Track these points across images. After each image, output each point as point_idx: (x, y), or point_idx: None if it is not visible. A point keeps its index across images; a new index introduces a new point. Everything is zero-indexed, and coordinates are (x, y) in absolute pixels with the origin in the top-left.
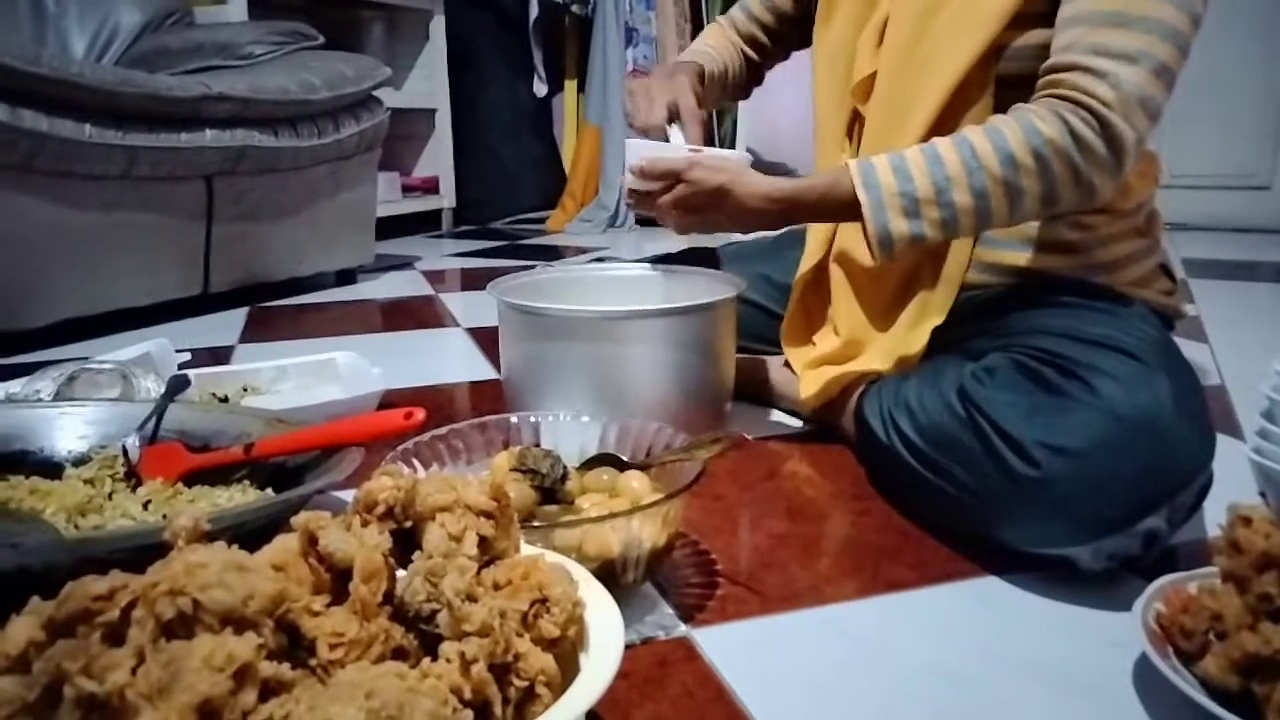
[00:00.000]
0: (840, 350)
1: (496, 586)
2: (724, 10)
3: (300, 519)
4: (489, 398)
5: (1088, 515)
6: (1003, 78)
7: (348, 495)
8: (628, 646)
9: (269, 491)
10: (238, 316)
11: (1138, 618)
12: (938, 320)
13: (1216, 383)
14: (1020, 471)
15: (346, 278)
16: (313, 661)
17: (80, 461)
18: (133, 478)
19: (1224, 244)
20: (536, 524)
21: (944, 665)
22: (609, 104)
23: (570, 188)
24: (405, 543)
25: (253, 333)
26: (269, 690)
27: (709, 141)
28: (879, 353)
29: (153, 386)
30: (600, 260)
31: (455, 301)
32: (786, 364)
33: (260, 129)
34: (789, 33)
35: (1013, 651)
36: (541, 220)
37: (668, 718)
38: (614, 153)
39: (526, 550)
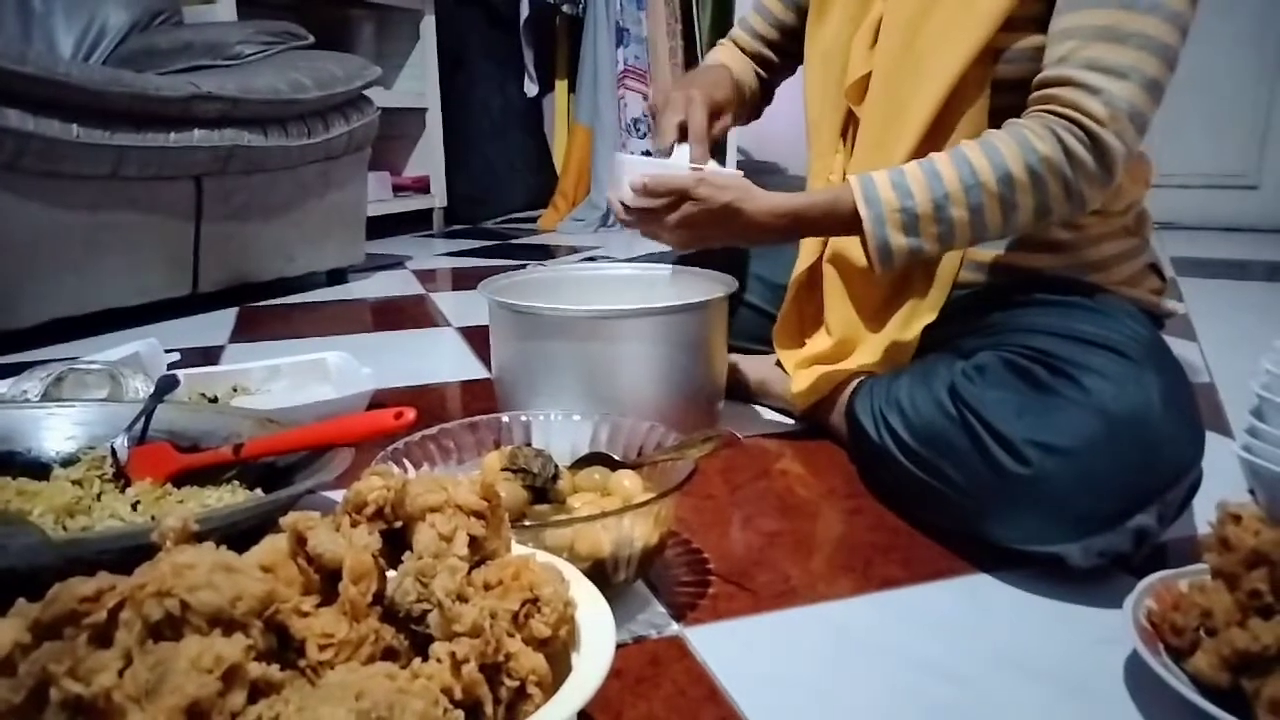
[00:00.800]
0: (832, 350)
1: (487, 586)
2: (714, 11)
3: (289, 519)
4: (480, 397)
5: (1078, 513)
6: (999, 81)
7: (338, 495)
8: (619, 645)
9: (258, 492)
10: (227, 316)
11: (1128, 615)
12: (929, 319)
13: (1206, 381)
14: (1011, 469)
15: (337, 277)
16: (302, 662)
17: (68, 462)
18: (121, 478)
19: (1213, 243)
20: (528, 523)
21: (936, 662)
22: (600, 104)
23: (561, 187)
24: (395, 543)
25: (242, 333)
26: (258, 691)
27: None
28: (871, 351)
29: (141, 387)
30: (591, 259)
31: (446, 301)
32: (778, 363)
33: (249, 129)
34: (794, 46)
35: (1004, 649)
36: (533, 220)
37: (660, 717)
38: (605, 152)
39: (517, 550)
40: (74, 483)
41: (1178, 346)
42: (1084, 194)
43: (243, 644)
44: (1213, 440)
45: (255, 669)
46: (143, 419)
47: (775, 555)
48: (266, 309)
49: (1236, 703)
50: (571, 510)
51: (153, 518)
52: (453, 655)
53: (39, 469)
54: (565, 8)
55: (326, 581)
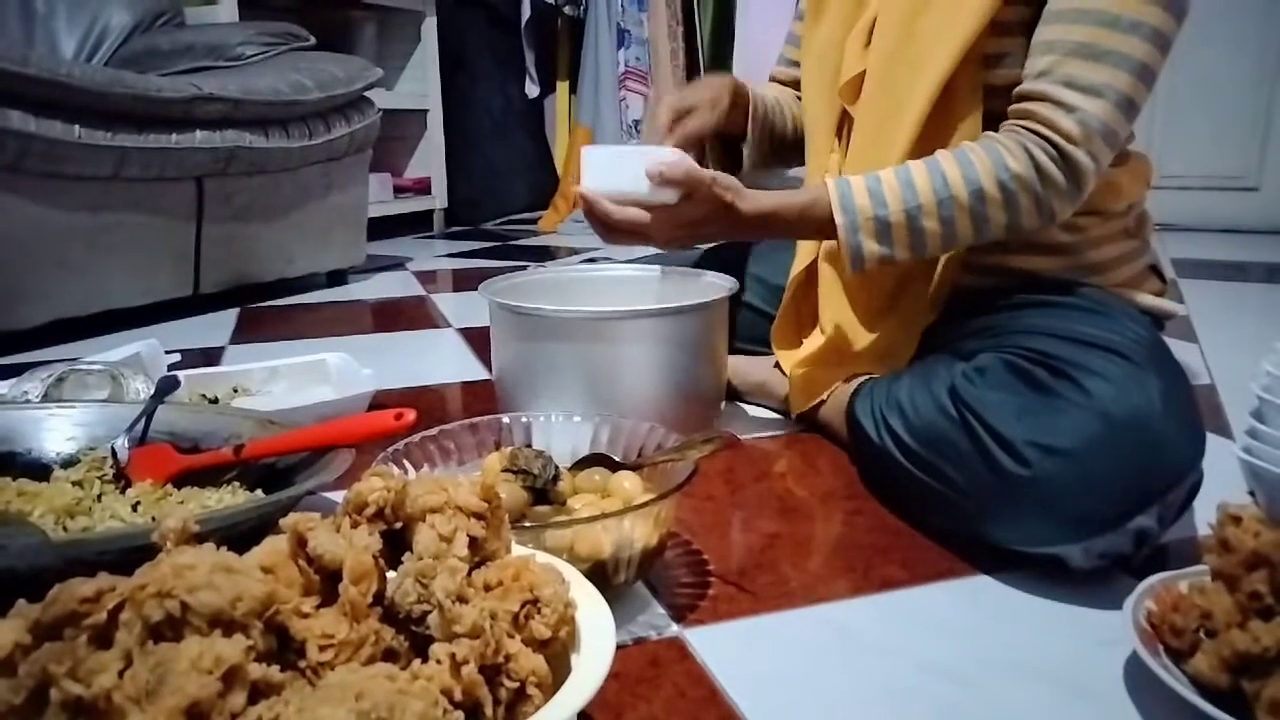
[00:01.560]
0: (828, 351)
1: (487, 588)
2: (716, 13)
3: (289, 520)
4: (480, 398)
5: (1078, 514)
6: (995, 86)
7: (338, 496)
8: (619, 647)
9: (259, 493)
10: (228, 317)
11: (1128, 616)
12: (927, 321)
13: (1206, 382)
14: (1011, 471)
15: (338, 278)
16: (302, 663)
17: (69, 463)
18: (122, 479)
19: (1213, 244)
20: (528, 524)
21: (936, 664)
22: (601, 105)
23: (562, 188)
24: (395, 544)
25: (243, 334)
26: (258, 692)
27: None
28: (869, 354)
29: (142, 388)
30: (592, 261)
31: (447, 302)
32: (777, 364)
33: (251, 130)
34: None
35: (1004, 650)
36: (533, 221)
37: (660, 718)
38: None
39: (518, 551)
40: (74, 484)
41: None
42: (1054, 209)
43: (243, 645)
44: (1213, 442)
45: (255, 670)
46: (143, 420)
47: (775, 556)
48: (267, 310)
49: (1236, 704)
50: (572, 511)
51: (153, 519)
52: (453, 656)
53: (39, 470)
54: (566, 9)
55: (327, 582)
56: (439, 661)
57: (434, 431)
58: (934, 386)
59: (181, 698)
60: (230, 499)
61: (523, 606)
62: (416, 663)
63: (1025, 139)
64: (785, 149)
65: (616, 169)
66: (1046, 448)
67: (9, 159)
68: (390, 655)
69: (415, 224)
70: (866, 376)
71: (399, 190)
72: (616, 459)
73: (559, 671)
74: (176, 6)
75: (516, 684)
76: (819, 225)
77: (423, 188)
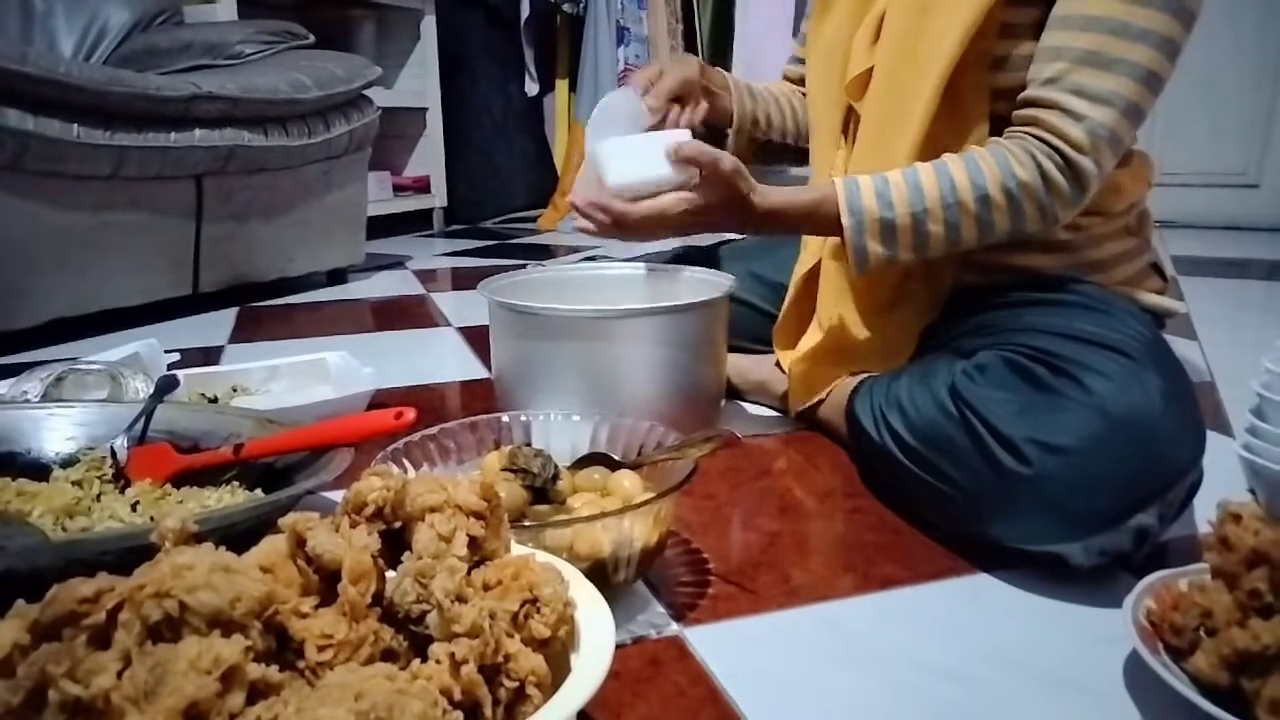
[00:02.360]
0: (829, 348)
1: (486, 587)
2: (715, 10)
3: (288, 520)
4: (480, 397)
5: (1079, 512)
6: (1001, 88)
7: (337, 496)
8: (619, 646)
9: (258, 492)
10: (228, 316)
11: (1128, 614)
12: (928, 320)
13: (1206, 380)
14: (1011, 469)
15: (337, 277)
16: (301, 663)
17: (68, 463)
18: (121, 479)
19: (1214, 242)
20: (527, 524)
21: (936, 662)
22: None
23: (561, 187)
24: (395, 543)
25: (243, 333)
26: (257, 693)
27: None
28: (869, 351)
29: (141, 387)
30: (592, 259)
31: (446, 301)
32: (777, 363)
33: (250, 128)
34: None
35: (1004, 648)
36: (533, 219)
37: (659, 717)
38: None
39: (517, 550)
40: (74, 483)
41: (1178, 346)
42: (1057, 214)
43: (241, 645)
44: (1213, 439)
45: (254, 670)
46: (142, 419)
47: (775, 555)
48: (267, 309)
49: (1236, 703)
50: (571, 510)
51: (152, 518)
52: (452, 656)
53: (39, 470)
54: (566, 7)
55: (326, 582)
56: (438, 661)
57: (433, 430)
58: (934, 384)
59: (180, 698)
60: (229, 498)
61: (522, 606)
62: (416, 662)
63: (1033, 146)
64: (777, 143)
65: (633, 157)
66: (1047, 445)
67: (7, 158)
68: (389, 655)
69: (415, 222)
70: (866, 374)
71: (398, 189)
72: (616, 458)
73: (558, 671)
74: (175, 5)
75: (516, 683)
76: (826, 224)
77: (422, 186)
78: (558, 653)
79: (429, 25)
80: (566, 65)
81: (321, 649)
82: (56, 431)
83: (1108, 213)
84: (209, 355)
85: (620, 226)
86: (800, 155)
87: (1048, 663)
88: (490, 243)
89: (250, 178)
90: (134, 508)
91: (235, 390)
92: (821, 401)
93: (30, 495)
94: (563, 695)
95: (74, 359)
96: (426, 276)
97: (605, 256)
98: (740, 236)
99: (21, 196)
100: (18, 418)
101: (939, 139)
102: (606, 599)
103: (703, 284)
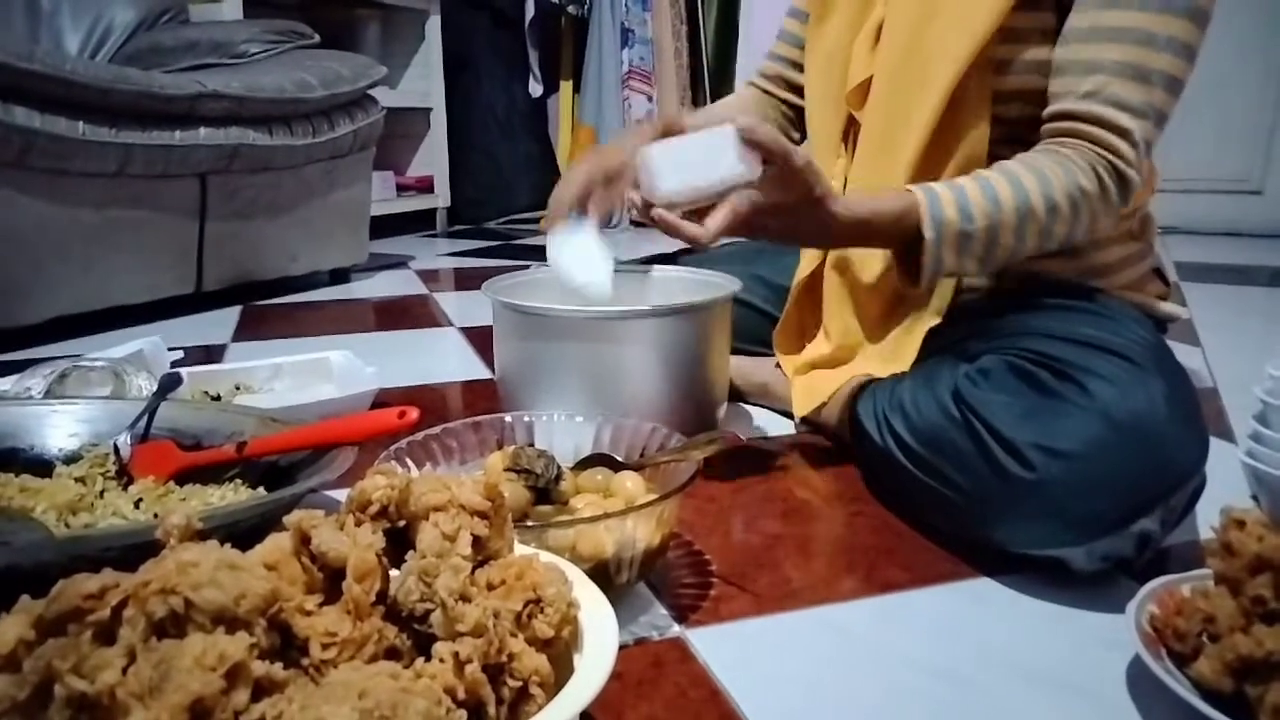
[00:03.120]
0: (831, 355)
1: (490, 586)
2: (719, 13)
3: (293, 518)
4: (483, 397)
5: (1081, 517)
6: (1003, 92)
7: (341, 494)
8: (621, 647)
9: (261, 490)
10: (231, 315)
11: (1131, 619)
12: (932, 323)
13: (1209, 386)
14: (1014, 473)
15: (340, 276)
16: (305, 661)
17: (71, 459)
18: (124, 476)
19: (1217, 248)
20: (530, 524)
21: (938, 666)
22: (604, 105)
23: None
24: (399, 542)
25: (246, 331)
26: (261, 690)
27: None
28: (872, 356)
29: (144, 384)
30: None
31: (449, 301)
32: (778, 365)
33: (255, 127)
34: None
35: (1006, 652)
36: (536, 220)
37: (661, 718)
38: None
39: (520, 550)
40: (77, 480)
41: (1181, 351)
42: (1103, 223)
43: (246, 642)
44: (1216, 445)
45: (259, 667)
46: (146, 417)
47: (777, 557)
48: (270, 308)
49: (1240, 709)
50: (574, 511)
51: (155, 515)
52: (456, 655)
53: (42, 466)
54: (570, 8)
55: (330, 580)
56: (442, 660)
57: (437, 430)
58: (937, 388)
59: (185, 695)
60: (233, 496)
61: (526, 606)
62: (419, 661)
63: (1093, 159)
64: None
65: (696, 158)
66: (1049, 450)
67: (13, 155)
68: (393, 654)
69: (418, 222)
70: (869, 378)
71: (402, 189)
72: (619, 459)
73: (561, 671)
74: (180, 3)
75: (519, 683)
76: (904, 236)
77: (426, 186)
78: (561, 653)
79: (434, 25)
80: (571, 67)
81: (326, 647)
82: (60, 428)
83: None
84: (212, 353)
85: (694, 237)
86: None
87: (1050, 667)
88: (493, 243)
89: (254, 176)
90: (137, 505)
91: (238, 388)
92: (824, 405)
93: (33, 491)
94: (566, 695)
95: (78, 356)
96: (429, 276)
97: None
98: (739, 239)
99: (27, 193)
100: (21, 414)
101: (941, 145)
102: (609, 600)
103: (706, 285)
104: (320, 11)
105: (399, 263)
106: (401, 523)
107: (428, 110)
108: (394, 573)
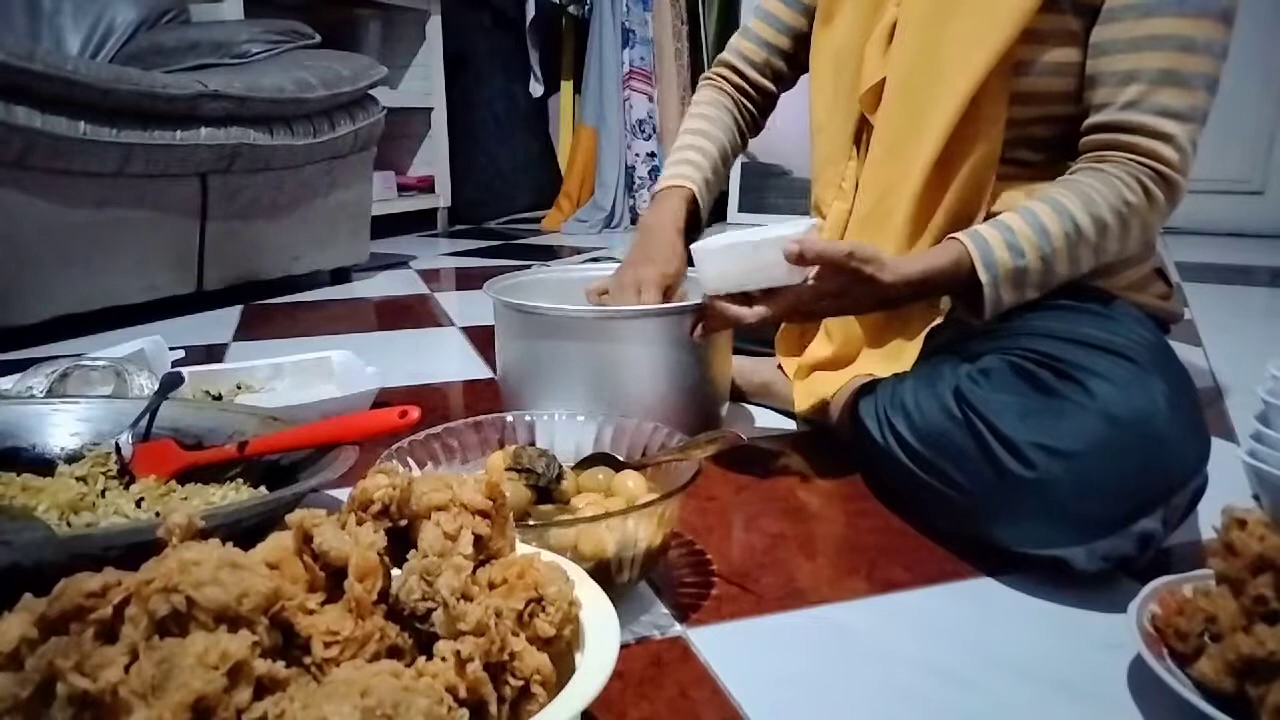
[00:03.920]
0: (832, 357)
1: (492, 585)
2: (720, 12)
3: (295, 517)
4: (484, 397)
5: (1083, 516)
6: (1019, 93)
7: (342, 494)
8: (623, 646)
9: (263, 490)
10: (232, 314)
11: (1133, 619)
12: (934, 322)
13: (1211, 386)
14: (1016, 472)
15: (341, 276)
16: (307, 660)
17: (73, 459)
18: (126, 475)
19: (1218, 248)
20: (532, 523)
21: (939, 666)
22: (605, 105)
23: (566, 188)
24: (400, 541)
25: (247, 331)
26: (263, 688)
27: None
28: (874, 356)
29: (146, 384)
30: (596, 260)
31: (450, 301)
32: (780, 366)
33: (256, 127)
34: (807, 53)
35: (1008, 652)
36: (537, 220)
37: (662, 717)
38: (610, 153)
39: (522, 549)
40: (79, 479)
41: (1183, 351)
42: (1156, 228)
43: (248, 641)
44: (1218, 445)
45: (261, 666)
46: (147, 416)
47: (779, 557)
48: (271, 307)
49: (1241, 709)
50: (575, 510)
51: (157, 514)
52: (457, 654)
53: (44, 465)
54: (571, 9)
55: (332, 579)
56: (444, 659)
57: (438, 429)
58: (939, 388)
59: (187, 693)
60: (234, 495)
61: (527, 605)
62: (421, 660)
63: (1137, 171)
64: (723, 178)
65: (740, 261)
66: (1051, 449)
67: (14, 155)
68: (395, 652)
69: (419, 222)
70: (871, 377)
71: (403, 189)
72: (620, 458)
73: (563, 670)
74: (182, 3)
75: (521, 682)
76: (962, 283)
77: (426, 186)
78: (562, 652)
79: (434, 26)
80: (571, 67)
81: (328, 645)
82: (61, 427)
83: None
84: (213, 353)
85: (744, 328)
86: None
87: (1051, 667)
88: (494, 243)
89: (255, 176)
90: (139, 504)
91: (239, 388)
92: (826, 404)
93: (35, 490)
94: (567, 694)
95: (79, 355)
96: (430, 276)
97: (610, 258)
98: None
99: (28, 193)
100: (23, 413)
101: (957, 148)
102: (610, 599)
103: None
104: (321, 11)
105: (400, 262)
106: (403, 522)
107: (428, 110)
108: (395, 572)
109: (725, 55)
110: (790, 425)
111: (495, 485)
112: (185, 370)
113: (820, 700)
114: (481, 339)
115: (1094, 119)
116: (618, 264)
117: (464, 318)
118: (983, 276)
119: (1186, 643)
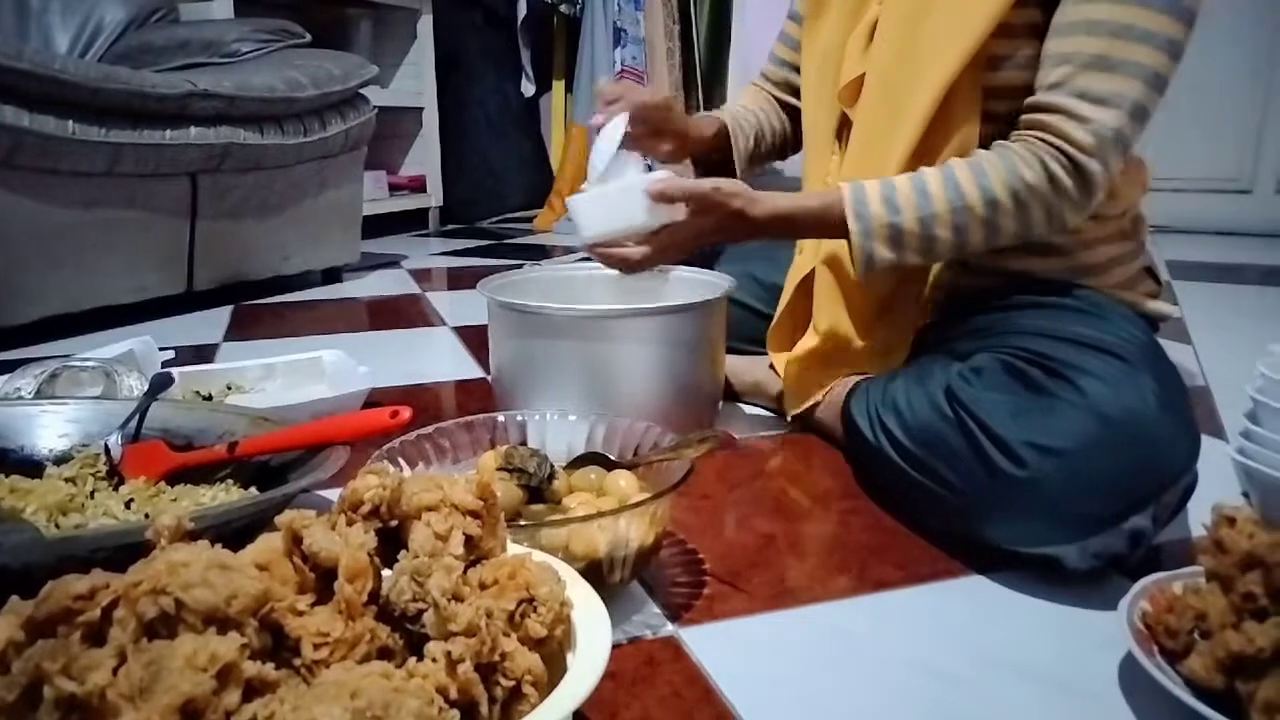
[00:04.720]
0: (824, 351)
1: (483, 586)
2: (712, 12)
3: (284, 518)
4: (475, 397)
5: (1074, 514)
6: (994, 87)
7: (333, 494)
8: (615, 646)
9: (253, 491)
10: (222, 315)
11: (1123, 617)
12: (923, 321)
13: (1200, 384)
14: (1007, 471)
15: (332, 276)
16: (297, 661)
17: (61, 460)
18: (115, 476)
19: (1208, 246)
20: (523, 523)
21: (931, 664)
22: (597, 104)
23: (558, 187)
24: (391, 542)
25: (237, 331)
26: (253, 690)
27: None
28: (864, 354)
29: (135, 384)
30: (588, 259)
31: (442, 300)
32: (771, 365)
33: (246, 127)
34: None
35: (999, 650)
36: (529, 220)
37: (655, 717)
38: None
39: (513, 549)
40: (67, 480)
41: (1172, 350)
42: (1065, 217)
43: (238, 642)
44: (1207, 443)
45: (250, 668)
46: (136, 417)
47: (771, 556)
48: (262, 307)
49: (1231, 706)
50: (567, 510)
51: (146, 516)
52: (448, 654)
53: (32, 466)
54: (563, 8)
55: (322, 580)
56: (434, 660)
57: (429, 429)
58: (930, 386)
59: (176, 695)
60: (224, 496)
61: (518, 605)
62: (412, 661)
63: (1040, 149)
64: (764, 155)
65: (610, 208)
66: (1042, 448)
67: (2, 154)
68: (385, 653)
69: (410, 222)
70: (862, 376)
71: (394, 188)
72: (612, 458)
73: (554, 670)
74: (171, 2)
75: (512, 683)
76: (833, 229)
77: (418, 186)
78: (554, 652)
79: (425, 25)
80: (563, 66)
81: (318, 647)
82: (50, 428)
83: (1103, 216)
84: (203, 353)
85: (626, 265)
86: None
87: (1042, 665)
88: (486, 243)
89: (245, 176)
90: (128, 505)
91: (230, 388)
92: (817, 403)
93: (24, 492)
94: (559, 694)
95: (68, 356)
96: (422, 276)
97: None
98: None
99: (16, 193)
100: (11, 414)
101: (933, 142)
102: (602, 599)
103: (701, 285)
104: (311, 10)
105: (391, 262)
106: (393, 522)
107: (420, 110)
108: (386, 572)
109: (754, 80)
110: (782, 424)
111: (486, 485)
112: (175, 371)
113: (812, 699)
114: (473, 339)
115: (1026, 101)
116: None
117: (455, 317)
118: (853, 225)
119: (1177, 640)
